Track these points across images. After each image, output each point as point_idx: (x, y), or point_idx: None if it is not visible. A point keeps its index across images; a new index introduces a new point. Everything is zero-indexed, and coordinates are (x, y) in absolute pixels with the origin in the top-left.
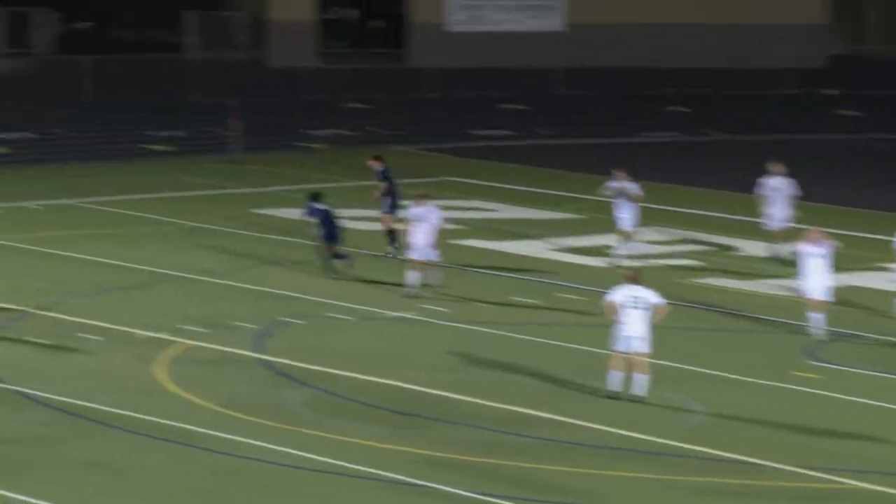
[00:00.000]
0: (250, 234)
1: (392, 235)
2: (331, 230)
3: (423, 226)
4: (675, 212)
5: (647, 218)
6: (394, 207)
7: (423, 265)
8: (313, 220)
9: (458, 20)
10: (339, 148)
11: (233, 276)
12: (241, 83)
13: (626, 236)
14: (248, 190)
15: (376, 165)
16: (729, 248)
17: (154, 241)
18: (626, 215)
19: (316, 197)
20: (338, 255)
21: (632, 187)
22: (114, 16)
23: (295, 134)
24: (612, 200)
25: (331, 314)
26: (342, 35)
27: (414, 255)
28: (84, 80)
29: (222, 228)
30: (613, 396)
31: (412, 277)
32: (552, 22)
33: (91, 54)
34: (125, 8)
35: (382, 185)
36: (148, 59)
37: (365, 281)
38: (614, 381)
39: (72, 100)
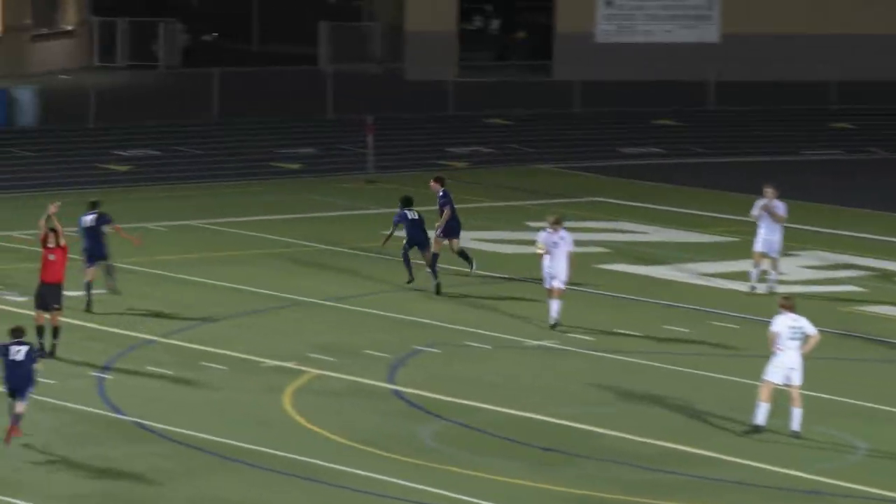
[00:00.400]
0: (384, 257)
1: (465, 256)
2: (420, 236)
3: (556, 252)
4: (833, 234)
5: (804, 241)
6: (449, 233)
7: (558, 293)
8: (400, 224)
9: (607, 30)
10: (480, 167)
11: (365, 302)
12: (376, 97)
13: (764, 259)
14: (382, 210)
15: (436, 188)
16: (893, 273)
17: (282, 265)
18: (770, 237)
19: (408, 202)
20: (432, 267)
21: (778, 206)
22: (241, 27)
23: (433, 151)
24: (756, 219)
25: (467, 342)
26: (484, 46)
27: (553, 284)
28: (210, 94)
29: (354, 251)
30: (757, 430)
31: (555, 307)
32: (706, 32)
33: (217, 67)
34: (253, 19)
35: (445, 210)
36: (277, 72)
37: (501, 307)
38: (761, 413)
39: (197, 115)
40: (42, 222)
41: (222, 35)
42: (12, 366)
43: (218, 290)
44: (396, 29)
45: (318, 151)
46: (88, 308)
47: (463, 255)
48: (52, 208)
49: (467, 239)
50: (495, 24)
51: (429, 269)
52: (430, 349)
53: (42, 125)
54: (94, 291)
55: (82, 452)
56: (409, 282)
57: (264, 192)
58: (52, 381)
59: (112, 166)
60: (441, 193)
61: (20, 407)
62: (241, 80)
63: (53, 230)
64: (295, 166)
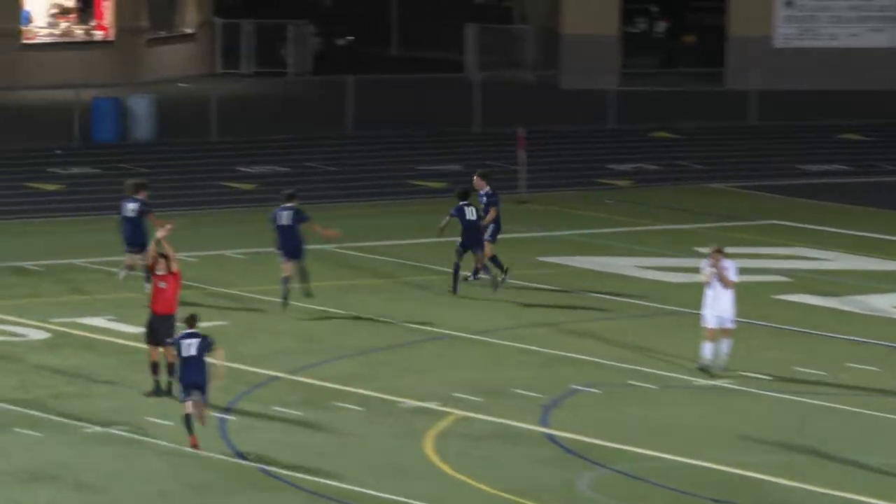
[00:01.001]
0: (536, 286)
1: (497, 262)
2: (474, 238)
3: (716, 286)
4: None
5: None
6: (495, 234)
7: (719, 333)
8: (457, 220)
9: (786, 34)
10: (644, 186)
11: (513, 335)
12: (528, 108)
13: None
14: (534, 234)
15: (481, 185)
16: None
17: (421, 294)
18: None
19: (465, 195)
20: (477, 271)
21: None
22: (378, 30)
23: (591, 168)
24: None
25: (630, 381)
26: (648, 52)
27: (709, 324)
28: (344, 104)
29: (508, 279)
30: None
31: (707, 349)
32: None
33: (352, 74)
34: (391, 21)
35: (491, 210)
36: (418, 79)
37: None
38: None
39: (329, 127)
40: (151, 247)
41: (358, 39)
42: (184, 362)
43: (350, 321)
44: (551, 32)
45: (463, 168)
46: (285, 302)
47: (496, 261)
48: (162, 231)
49: (629, 265)
50: (661, 26)
51: (472, 277)
52: (588, 389)
53: (158, 139)
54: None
55: (203, 502)
56: (454, 292)
57: (403, 214)
58: (168, 423)
59: (235, 184)
60: (487, 192)
61: (198, 408)
62: (379, 88)
63: (164, 255)
64: (438, 185)
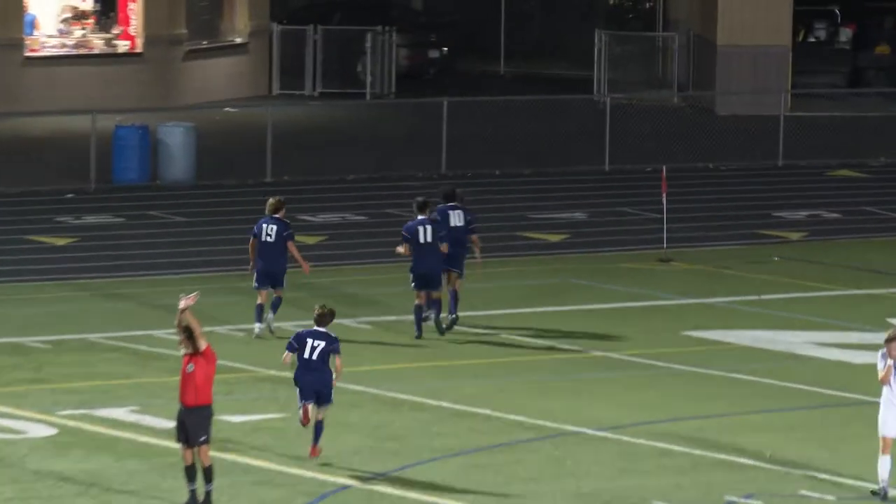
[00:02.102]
0: (680, 367)
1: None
2: (454, 252)
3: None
4: None
5: None
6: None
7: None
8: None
9: None
10: (821, 238)
11: (652, 433)
12: (674, 139)
13: None
14: (679, 301)
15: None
16: None
17: (537, 378)
18: None
19: (453, 197)
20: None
21: None
22: (481, 40)
23: (753, 216)
24: None
25: (801, 491)
26: (828, 67)
27: (886, 432)
28: (438, 134)
29: (631, 358)
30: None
31: (884, 467)
32: None
33: (447, 96)
34: (500, 29)
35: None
36: (530, 103)
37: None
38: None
39: (418, 164)
40: (177, 322)
41: (454, 51)
42: (305, 364)
43: (442, 413)
44: (704, 42)
45: (588, 216)
46: (440, 329)
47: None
48: (185, 301)
49: (801, 341)
50: (845, 34)
51: (451, 315)
52: (747, 501)
53: (198, 179)
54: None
55: None
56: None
57: (510, 275)
58: None
59: (302, 238)
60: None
61: (319, 413)
62: (480, 114)
63: (188, 331)
64: (556, 237)
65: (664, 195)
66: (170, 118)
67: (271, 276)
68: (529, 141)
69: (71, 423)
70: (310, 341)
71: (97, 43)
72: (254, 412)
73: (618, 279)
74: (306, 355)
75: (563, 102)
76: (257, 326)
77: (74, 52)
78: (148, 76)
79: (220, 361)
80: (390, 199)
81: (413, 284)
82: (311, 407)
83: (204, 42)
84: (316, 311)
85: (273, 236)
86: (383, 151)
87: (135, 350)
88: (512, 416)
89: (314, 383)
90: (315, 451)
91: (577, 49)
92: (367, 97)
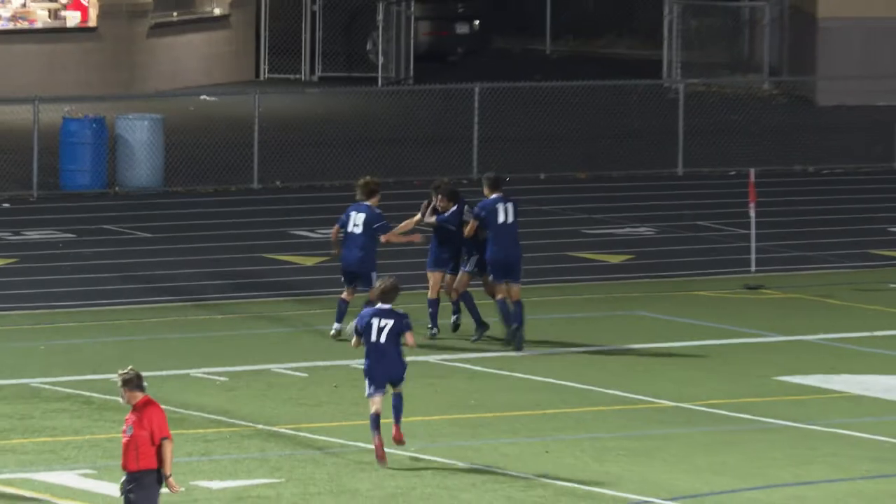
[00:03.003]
0: (779, 422)
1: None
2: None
3: None
4: None
5: None
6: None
7: None
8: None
9: None
10: None
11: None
12: (764, 135)
13: None
14: (771, 338)
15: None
16: None
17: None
18: None
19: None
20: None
21: None
22: (522, 13)
23: (864, 232)
24: None
25: None
26: None
27: None
28: (469, 128)
29: (724, 411)
30: None
31: None
32: None
33: (479, 81)
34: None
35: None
36: (583, 90)
37: None
38: None
39: (441, 166)
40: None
41: (487, 25)
42: (374, 348)
43: (473, 478)
44: (801, 15)
45: (656, 232)
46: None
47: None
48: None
49: None
50: None
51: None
52: None
53: (167, 185)
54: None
55: None
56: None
57: (555, 306)
58: None
59: (286, 256)
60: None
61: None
62: (523, 103)
63: (127, 381)
64: (617, 258)
65: (752, 205)
66: (132, 109)
67: (352, 277)
68: (583, 137)
69: (7, 490)
70: (375, 322)
71: (40, 15)
72: (237, 477)
73: (694, 311)
74: (373, 338)
75: (624, 90)
76: (335, 326)
77: (11, 26)
78: (104, 56)
79: (196, 412)
80: (408, 209)
81: (491, 276)
82: (380, 399)
83: (174, 14)
84: (378, 287)
85: (360, 226)
86: (399, 151)
87: (87, 399)
88: (560, 482)
89: (388, 370)
90: (399, 433)
91: (641, 23)
92: (379, 83)
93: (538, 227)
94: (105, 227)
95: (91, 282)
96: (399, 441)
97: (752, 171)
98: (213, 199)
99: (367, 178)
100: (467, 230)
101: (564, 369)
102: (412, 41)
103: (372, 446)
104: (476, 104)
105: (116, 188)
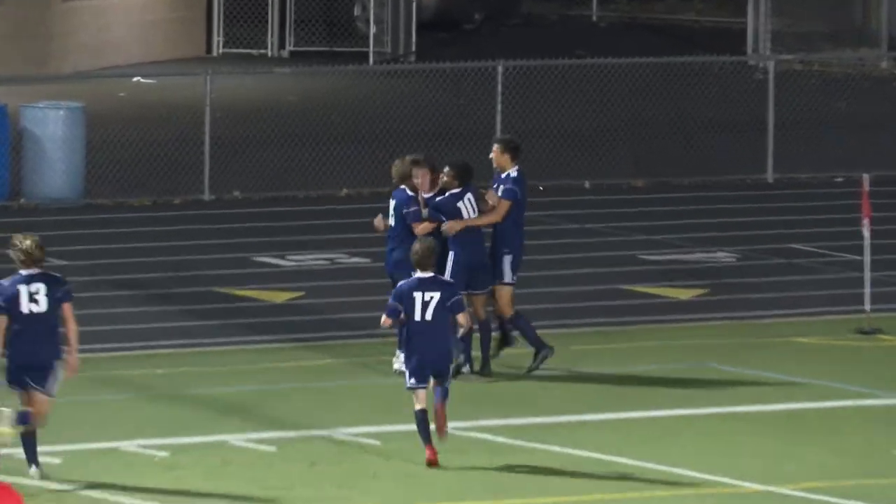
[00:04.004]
0: None
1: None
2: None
3: None
4: None
5: None
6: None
7: None
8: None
9: None
10: None
11: None
12: (879, 131)
13: None
14: (888, 401)
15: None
16: None
17: None
18: None
19: (468, 176)
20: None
21: None
22: None
23: None
24: None
25: None
26: None
27: None
28: (491, 120)
29: (834, 498)
30: None
31: None
32: None
33: (503, 59)
34: None
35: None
36: (641, 67)
37: None
38: None
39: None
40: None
41: None
42: (418, 330)
43: None
44: None
45: (738, 258)
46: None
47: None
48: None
49: None
50: None
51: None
52: None
53: (89, 196)
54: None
55: None
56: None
57: (606, 356)
58: None
59: (249, 293)
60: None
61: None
62: (561, 87)
63: None
64: (687, 293)
65: (866, 222)
66: (42, 95)
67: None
68: (640, 133)
69: None
70: (418, 296)
71: None
72: None
73: (788, 363)
74: (418, 316)
75: (694, 69)
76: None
77: None
78: (5, 25)
79: (126, 500)
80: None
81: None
82: (425, 394)
83: None
84: (415, 252)
85: (395, 216)
86: (397, 150)
87: None
88: None
89: (435, 359)
90: (443, 424)
91: None
92: (371, 60)
93: (581, 252)
94: (6, 251)
95: None
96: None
97: (866, 178)
98: (149, 214)
99: (407, 158)
100: (420, 228)
101: (615, 441)
102: (414, 5)
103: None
104: (499, 88)
105: (21, 200)
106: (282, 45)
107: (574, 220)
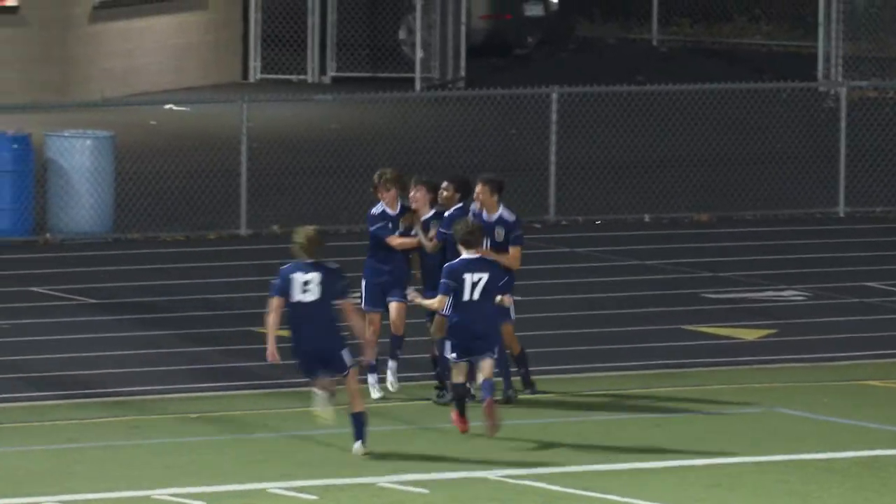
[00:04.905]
0: None
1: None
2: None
3: None
4: None
5: None
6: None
7: None
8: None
9: None
10: None
11: None
12: None
13: None
14: None
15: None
16: None
17: None
18: None
19: (466, 187)
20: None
21: None
22: None
23: None
24: None
25: None
26: None
27: None
28: (544, 149)
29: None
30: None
31: None
32: None
33: (557, 85)
34: None
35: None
36: (700, 94)
37: None
38: None
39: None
40: None
41: (569, 6)
42: (465, 310)
43: None
44: None
45: (808, 297)
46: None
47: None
48: None
49: None
50: None
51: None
52: None
53: (118, 230)
54: None
55: None
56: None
57: (671, 398)
58: None
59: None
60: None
61: (486, 369)
62: (620, 114)
63: None
64: (753, 333)
65: None
66: (68, 123)
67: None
68: (704, 164)
69: None
70: (468, 277)
71: None
72: None
73: (862, 408)
74: (466, 296)
75: (762, 96)
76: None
77: None
78: (28, 48)
79: None
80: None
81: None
82: (465, 367)
83: None
84: (460, 232)
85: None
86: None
87: None
88: None
89: (482, 335)
90: (494, 421)
91: (786, 2)
92: (417, 87)
93: (640, 290)
94: (32, 289)
95: (13, 367)
96: (491, 418)
97: None
98: (182, 250)
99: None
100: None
101: (679, 489)
102: (464, 28)
103: None
104: (553, 116)
105: (47, 235)
106: (323, 71)
107: (633, 255)
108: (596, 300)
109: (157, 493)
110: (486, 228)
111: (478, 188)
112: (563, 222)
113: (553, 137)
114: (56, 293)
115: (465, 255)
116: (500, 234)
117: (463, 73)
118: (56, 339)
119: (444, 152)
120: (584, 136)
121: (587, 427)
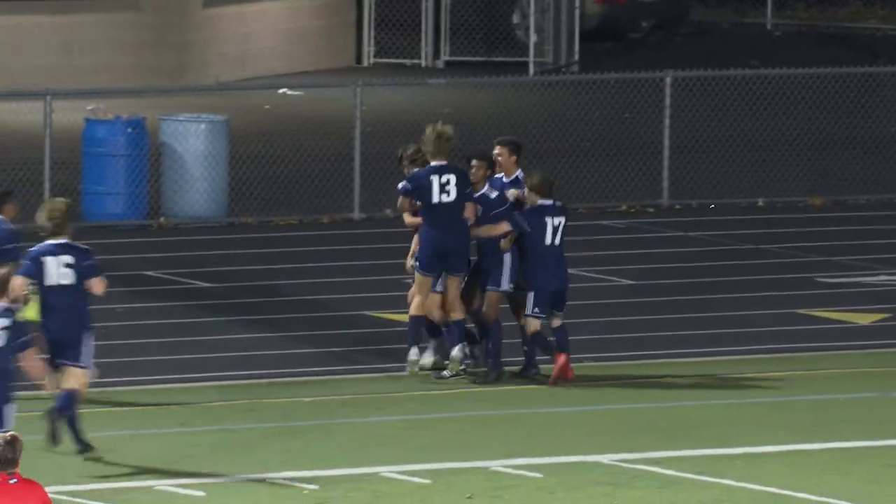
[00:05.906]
0: None
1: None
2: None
3: None
4: None
5: None
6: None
7: None
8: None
9: None
10: None
11: None
12: None
13: None
14: None
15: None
16: None
17: None
18: None
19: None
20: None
21: None
22: None
23: None
24: None
25: None
26: None
27: None
28: (657, 136)
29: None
30: None
31: None
32: None
33: (671, 69)
34: None
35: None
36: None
37: None
38: None
39: (633, 189)
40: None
41: None
42: (546, 255)
43: None
44: None
45: None
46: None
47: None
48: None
49: None
50: None
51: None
52: None
53: (233, 213)
54: None
55: None
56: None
57: (778, 385)
58: None
59: (395, 317)
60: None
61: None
62: (734, 98)
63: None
64: (866, 318)
65: None
66: (183, 107)
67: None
68: (818, 148)
69: None
70: (549, 221)
71: None
72: None
73: None
74: (548, 240)
75: (878, 80)
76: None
77: None
78: (143, 34)
79: None
80: (578, 250)
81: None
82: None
83: None
84: (533, 181)
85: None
86: (558, 166)
87: None
88: None
89: (562, 281)
90: (565, 364)
91: None
92: (531, 71)
93: (754, 274)
94: (146, 273)
95: (126, 350)
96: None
97: None
98: (296, 234)
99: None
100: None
101: (794, 474)
102: (577, 12)
103: None
104: (667, 100)
105: (161, 219)
106: (436, 55)
107: (747, 240)
108: (709, 284)
109: (272, 477)
110: (502, 190)
111: (496, 150)
112: (677, 206)
113: (667, 122)
114: (169, 277)
115: (540, 201)
116: (513, 194)
117: (577, 57)
118: (169, 322)
119: (556, 136)
120: (697, 121)
121: (700, 411)
